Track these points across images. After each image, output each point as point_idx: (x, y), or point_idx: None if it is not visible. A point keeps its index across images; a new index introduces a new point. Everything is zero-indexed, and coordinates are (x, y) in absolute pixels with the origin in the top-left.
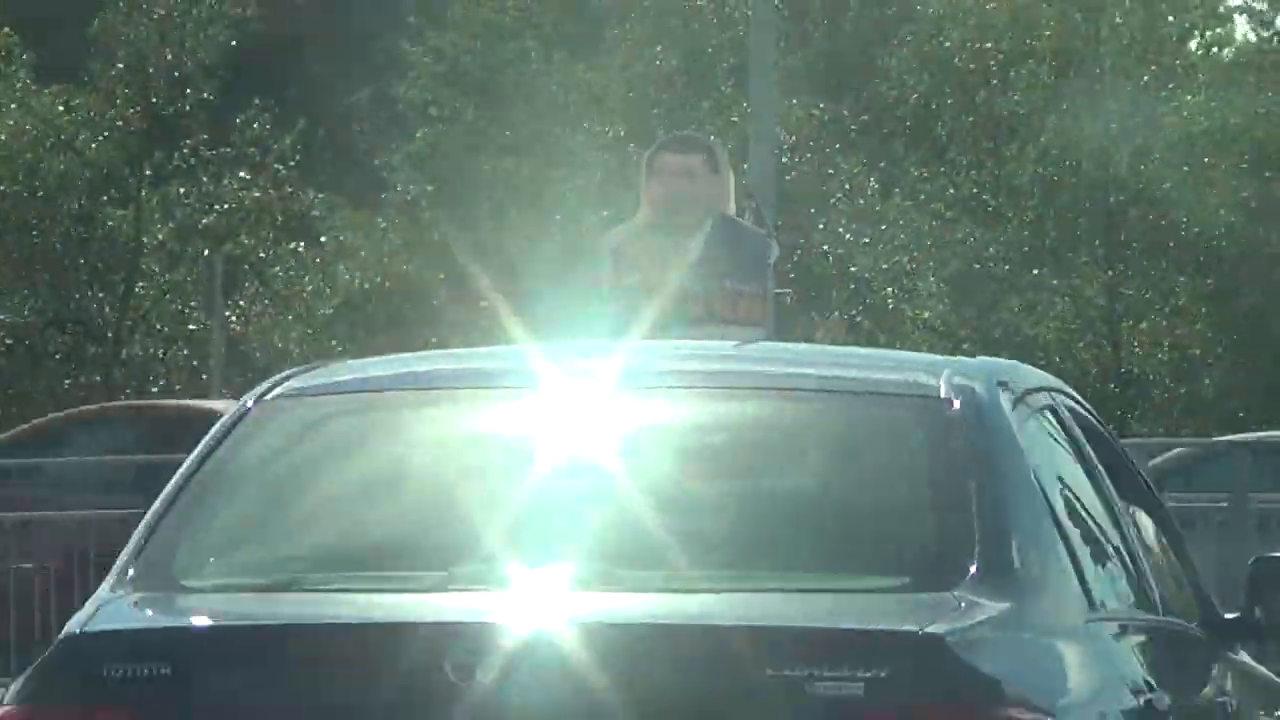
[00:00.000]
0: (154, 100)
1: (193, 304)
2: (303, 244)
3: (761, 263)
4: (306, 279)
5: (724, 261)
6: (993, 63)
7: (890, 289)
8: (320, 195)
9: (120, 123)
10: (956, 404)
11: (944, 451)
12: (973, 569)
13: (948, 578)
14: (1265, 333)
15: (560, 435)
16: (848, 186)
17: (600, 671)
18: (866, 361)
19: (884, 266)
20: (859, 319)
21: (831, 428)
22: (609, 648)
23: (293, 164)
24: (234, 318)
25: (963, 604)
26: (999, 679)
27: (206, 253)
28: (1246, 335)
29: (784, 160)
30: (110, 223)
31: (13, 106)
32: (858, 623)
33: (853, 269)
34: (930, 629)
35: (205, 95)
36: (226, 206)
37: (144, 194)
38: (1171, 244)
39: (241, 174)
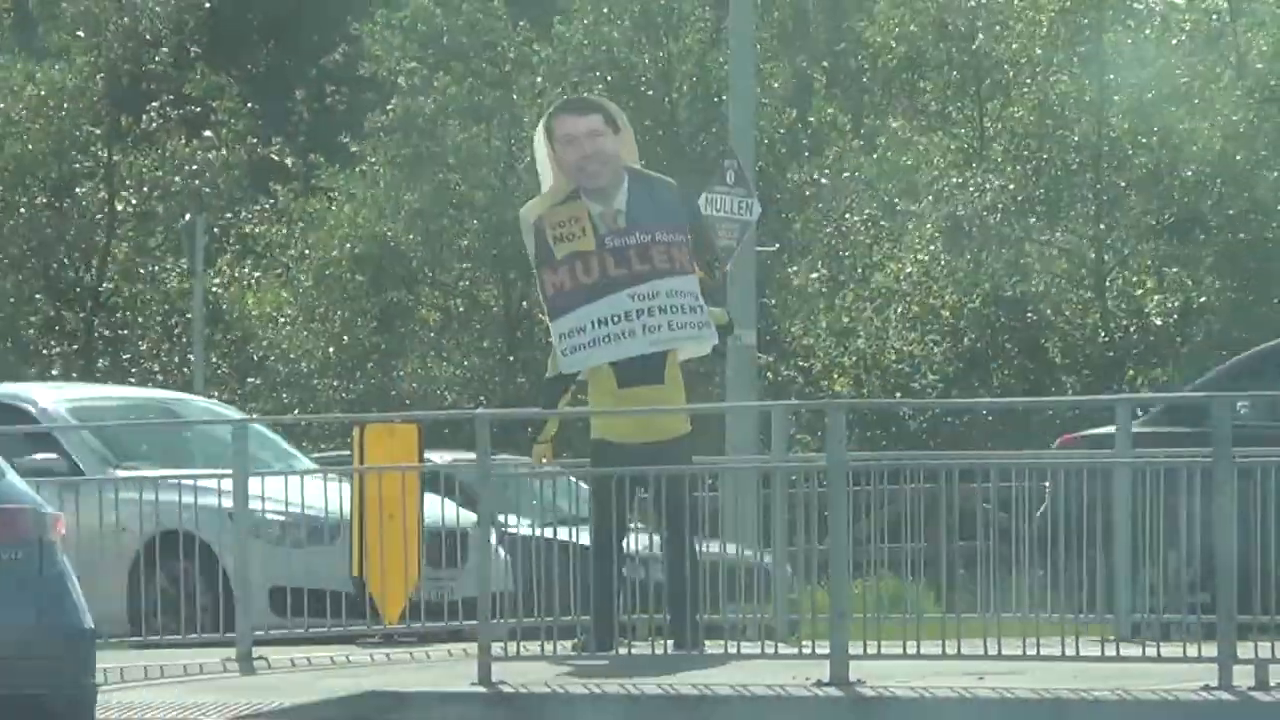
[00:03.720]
0: (116, 64)
1: (168, 267)
2: (277, 202)
3: (678, 210)
4: (286, 238)
5: (648, 215)
6: (987, 12)
7: (873, 241)
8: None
9: (85, 91)
10: None
11: None
12: None
13: None
14: (1266, 277)
15: None
16: (832, 135)
17: None
18: None
19: (866, 215)
20: (841, 276)
21: None
22: None
23: (259, 122)
24: (215, 281)
25: None
26: None
27: (187, 216)
28: (1246, 280)
29: (762, 123)
30: (81, 190)
31: None
32: None
33: (829, 226)
34: None
35: (161, 60)
36: (194, 168)
37: (113, 159)
38: (1162, 186)
39: (206, 134)
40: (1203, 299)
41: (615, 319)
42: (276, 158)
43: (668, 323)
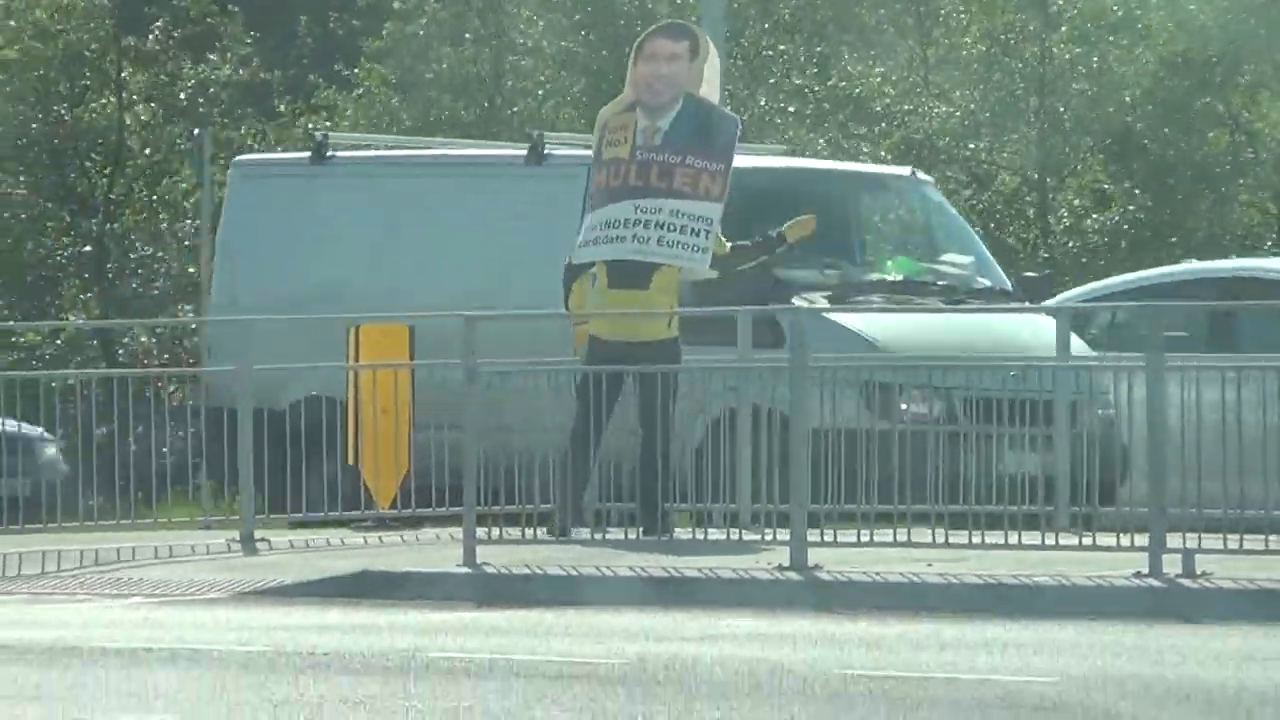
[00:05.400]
0: None
1: (175, 178)
2: (276, 125)
3: (730, 144)
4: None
5: (688, 139)
6: None
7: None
8: (277, 75)
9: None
10: None
11: None
12: None
13: None
14: (1191, 195)
15: None
16: (788, 69)
17: None
18: None
19: (824, 140)
20: None
21: None
22: None
23: (251, 41)
24: (217, 194)
25: None
26: None
27: (195, 131)
28: (1174, 198)
29: (731, 57)
30: (93, 105)
31: None
32: None
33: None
34: None
35: None
36: (195, 85)
37: (122, 76)
38: (1099, 111)
39: (210, 56)
40: (1138, 215)
41: (616, 224)
42: (278, 77)
43: (658, 238)
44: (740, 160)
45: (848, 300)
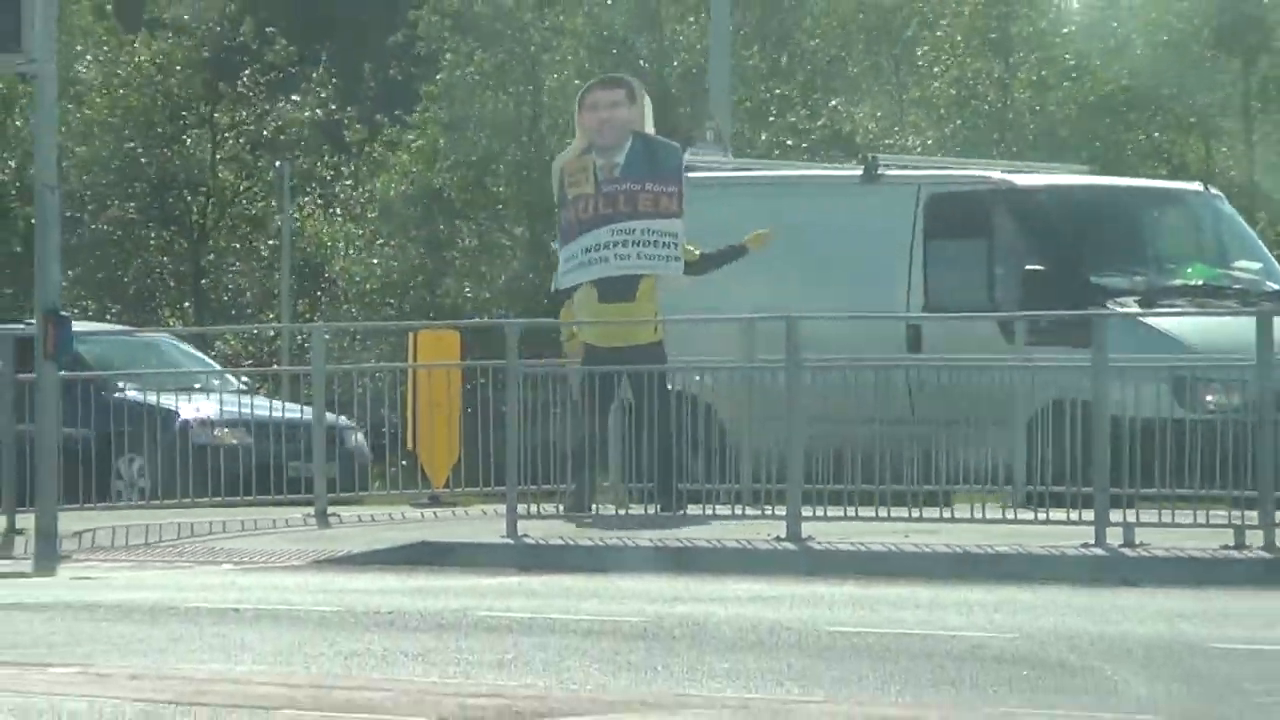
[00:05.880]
0: (216, 38)
1: (260, 204)
2: (347, 157)
3: (677, 168)
4: (352, 185)
5: (642, 169)
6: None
7: None
8: (350, 114)
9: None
10: None
11: None
12: None
13: None
14: None
15: None
16: (784, 110)
17: None
18: None
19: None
20: None
21: None
22: None
23: (330, 86)
24: (295, 217)
25: None
26: None
27: (277, 163)
28: None
29: (735, 96)
30: (188, 139)
31: (104, 51)
32: None
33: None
34: None
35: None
36: (280, 123)
37: (215, 117)
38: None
39: (294, 97)
40: None
41: (597, 247)
42: (347, 118)
43: (637, 253)
44: (1056, 179)
45: (1156, 304)
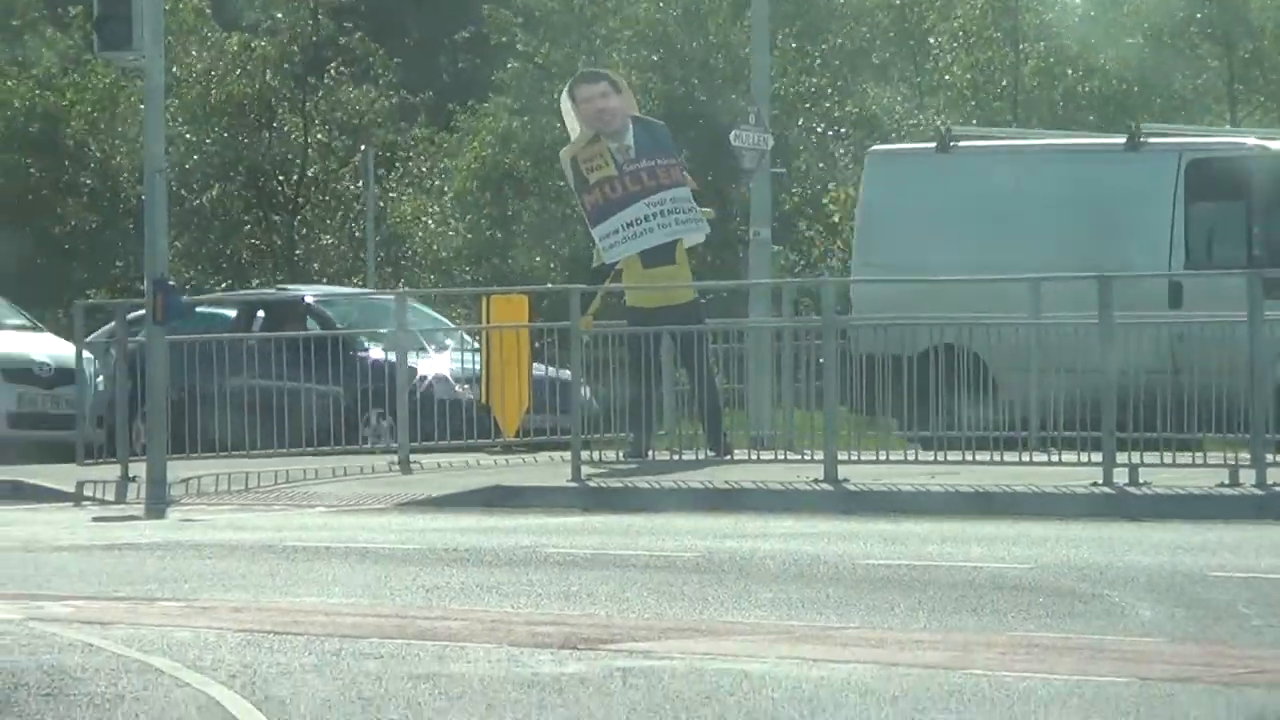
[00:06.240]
0: (305, 35)
1: (346, 183)
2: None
3: (669, 141)
4: (430, 165)
5: (649, 147)
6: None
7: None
8: (425, 98)
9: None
10: None
11: None
12: None
13: None
14: None
15: None
16: (817, 99)
17: None
18: None
19: (844, 148)
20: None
21: None
22: None
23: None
24: (379, 195)
25: None
26: None
27: (363, 148)
28: None
29: (775, 85)
30: (285, 127)
31: (208, 47)
32: None
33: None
34: None
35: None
36: (361, 109)
37: (306, 104)
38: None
39: (366, 88)
40: None
41: (638, 221)
42: (421, 99)
43: (675, 220)
44: None
45: None
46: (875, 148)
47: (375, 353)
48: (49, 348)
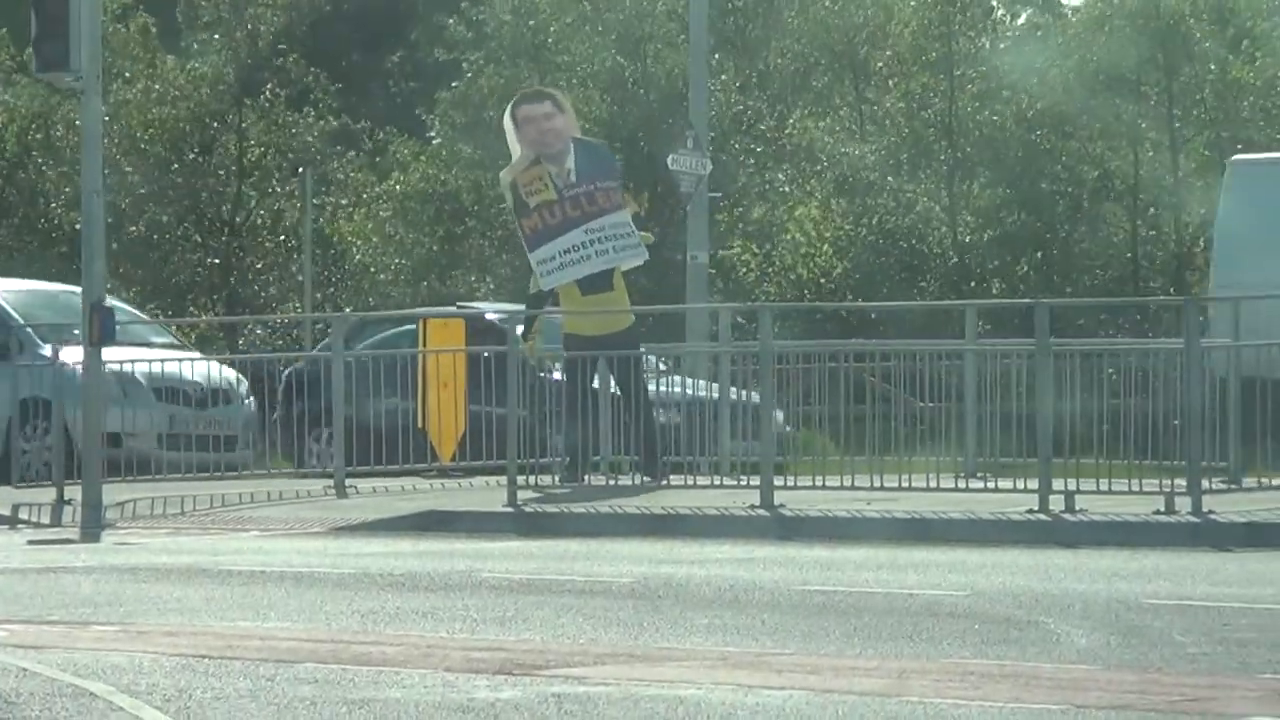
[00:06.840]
0: (240, 59)
1: (285, 204)
2: (360, 161)
3: (612, 163)
4: (369, 184)
5: (590, 170)
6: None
7: (790, 189)
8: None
9: (220, 79)
10: None
11: None
12: None
13: None
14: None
15: None
16: (753, 121)
17: None
18: None
19: (781, 173)
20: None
21: None
22: None
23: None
24: (316, 218)
25: None
26: None
27: (300, 170)
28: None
29: (712, 112)
30: (218, 150)
31: (141, 71)
32: None
33: (755, 187)
34: None
35: (267, 54)
36: (297, 132)
37: (242, 125)
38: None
39: (306, 110)
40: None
41: (575, 248)
42: (361, 127)
43: (612, 247)
44: None
45: None
46: (1237, 157)
47: None
48: (199, 367)
